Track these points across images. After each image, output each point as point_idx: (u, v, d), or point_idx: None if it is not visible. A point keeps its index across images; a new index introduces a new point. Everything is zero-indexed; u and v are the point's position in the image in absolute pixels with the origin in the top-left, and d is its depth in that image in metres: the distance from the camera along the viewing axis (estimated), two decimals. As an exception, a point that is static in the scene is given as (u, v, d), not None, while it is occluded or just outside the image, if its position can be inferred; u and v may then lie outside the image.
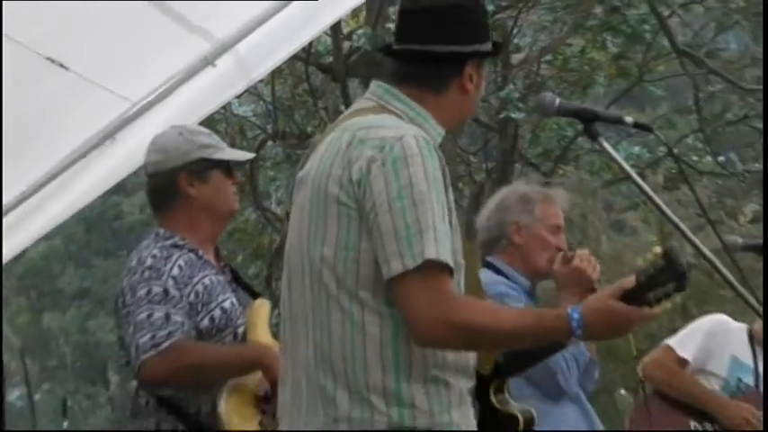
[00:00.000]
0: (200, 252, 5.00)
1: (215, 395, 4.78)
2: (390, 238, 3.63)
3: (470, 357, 3.82)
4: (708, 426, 6.61)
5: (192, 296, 4.85)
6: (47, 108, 7.26)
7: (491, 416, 3.96)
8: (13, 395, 17.64)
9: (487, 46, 4.05)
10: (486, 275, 5.60)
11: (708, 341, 6.71)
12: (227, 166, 5.10)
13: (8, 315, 26.92)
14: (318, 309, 3.78)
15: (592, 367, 5.77)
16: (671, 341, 6.75)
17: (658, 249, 3.73)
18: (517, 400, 4.23)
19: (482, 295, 4.08)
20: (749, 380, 6.71)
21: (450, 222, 3.73)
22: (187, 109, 7.76)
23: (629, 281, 3.79)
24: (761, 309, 4.36)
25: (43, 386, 26.51)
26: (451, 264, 3.64)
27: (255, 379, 4.84)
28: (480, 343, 3.75)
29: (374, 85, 4.06)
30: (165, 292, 4.79)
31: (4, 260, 8.31)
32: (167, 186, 5.08)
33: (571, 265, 5.57)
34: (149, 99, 7.63)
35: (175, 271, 4.86)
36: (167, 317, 4.74)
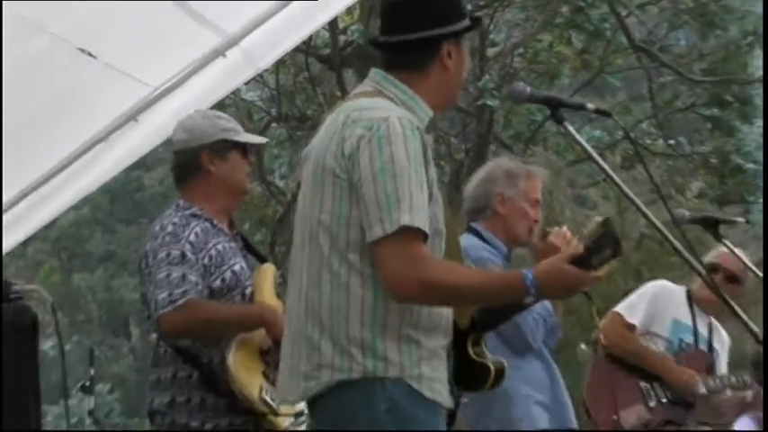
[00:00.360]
0: (215, 221, 5.00)
1: (224, 348, 4.78)
2: (373, 207, 3.68)
3: (443, 318, 3.84)
4: (656, 385, 6.58)
5: (206, 259, 4.85)
6: (77, 92, 7.24)
7: (468, 366, 3.96)
8: (47, 345, 17.62)
9: (461, 25, 4.04)
10: (469, 240, 5.65)
11: (652, 306, 6.68)
12: (243, 148, 5.11)
13: (42, 275, 26.93)
14: (312, 268, 3.83)
15: (556, 329, 5.80)
16: (619, 308, 6.71)
17: (599, 219, 3.76)
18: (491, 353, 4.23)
19: (461, 259, 4.07)
20: (690, 339, 6.69)
21: (431, 194, 3.76)
22: (201, 94, 7.75)
23: (578, 248, 3.82)
24: (704, 272, 4.37)
25: (73, 338, 26.49)
26: (425, 229, 3.67)
27: (260, 335, 4.85)
28: (447, 298, 3.78)
29: (373, 71, 4.08)
30: (183, 255, 4.80)
31: (40, 227, 8.31)
32: (191, 162, 5.08)
33: (548, 239, 5.59)
34: (168, 85, 7.61)
35: (192, 237, 4.86)
36: (183, 277, 4.75)
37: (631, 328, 6.61)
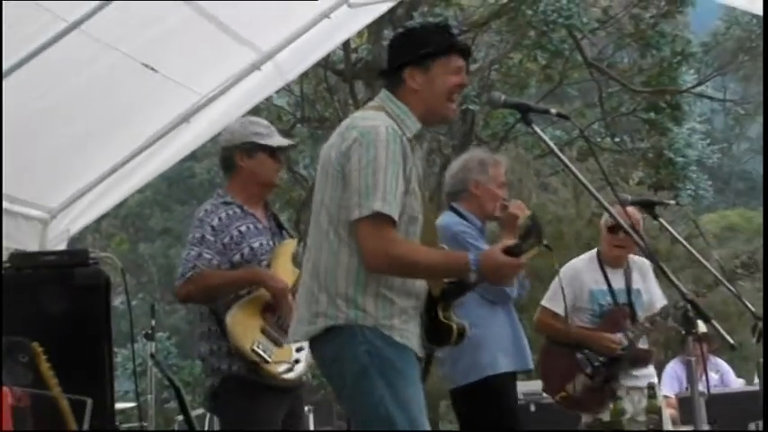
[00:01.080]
0: (246, 207, 5.02)
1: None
2: (355, 194, 3.81)
3: (415, 286, 3.96)
4: (588, 353, 6.52)
5: (227, 239, 4.88)
6: (142, 99, 7.25)
7: (437, 326, 4.00)
8: (117, 301, 17.61)
9: (424, 53, 4.04)
10: (450, 217, 5.69)
11: (568, 290, 6.58)
12: (271, 150, 5.07)
13: (113, 245, 26.92)
14: (316, 239, 3.98)
15: (525, 283, 5.80)
16: (544, 301, 6.60)
17: (527, 212, 3.82)
18: (458, 310, 4.24)
19: (435, 241, 4.12)
20: (607, 299, 6.61)
21: (407, 189, 3.88)
22: (240, 101, 7.75)
23: (511, 240, 4.03)
24: (642, 243, 4.35)
25: (138, 295, 26.45)
26: (394, 216, 3.79)
27: (264, 296, 4.87)
28: (408, 271, 3.89)
29: (382, 91, 4.16)
30: (203, 237, 4.86)
31: (112, 206, 8.30)
32: (228, 159, 5.11)
33: (508, 210, 5.61)
34: (213, 93, 7.61)
35: (216, 222, 4.90)
36: (199, 255, 4.82)
37: (557, 315, 6.52)
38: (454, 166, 5.96)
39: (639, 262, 6.65)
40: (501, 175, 5.82)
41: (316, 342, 3.94)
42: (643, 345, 6.56)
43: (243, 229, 4.94)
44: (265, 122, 5.26)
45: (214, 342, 4.89)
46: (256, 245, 4.94)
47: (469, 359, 5.51)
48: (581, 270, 6.66)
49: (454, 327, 4.01)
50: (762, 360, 5.11)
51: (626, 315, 6.53)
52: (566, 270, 6.58)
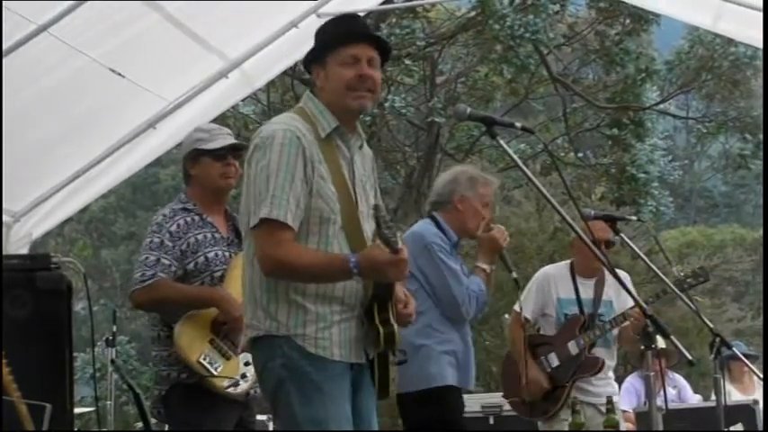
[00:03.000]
0: (205, 215, 4.98)
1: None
2: (251, 202, 3.81)
3: (336, 288, 3.87)
4: (542, 358, 6.57)
5: (184, 246, 4.85)
6: (108, 104, 7.22)
7: (370, 329, 3.92)
8: (78, 306, 17.50)
9: (316, 47, 4.06)
10: (427, 226, 5.75)
11: (539, 296, 6.61)
12: (212, 153, 5.02)
13: (76, 249, 26.73)
14: (243, 247, 4.03)
15: (484, 305, 5.81)
16: (517, 306, 6.65)
17: (372, 202, 3.80)
18: (419, 314, 4.19)
19: (363, 241, 3.94)
20: (573, 309, 6.63)
21: (312, 190, 3.81)
22: (206, 108, 7.73)
23: (486, 264, 3.91)
24: (603, 257, 4.37)
25: (100, 301, 26.30)
26: (284, 219, 3.74)
27: (213, 311, 4.82)
28: (293, 274, 3.81)
29: (305, 92, 4.16)
30: (161, 242, 4.83)
31: (76, 211, 8.25)
32: (183, 168, 5.14)
33: (490, 233, 5.66)
34: (180, 100, 7.59)
35: (174, 227, 4.87)
36: (158, 260, 4.77)
37: (526, 320, 6.56)
38: (444, 177, 5.98)
39: (621, 275, 6.69)
40: (488, 196, 5.84)
41: (251, 352, 3.97)
42: (600, 354, 6.59)
43: (200, 237, 4.90)
44: (209, 126, 5.23)
45: (164, 348, 4.86)
46: (211, 255, 4.90)
47: (418, 367, 5.52)
48: (552, 277, 6.71)
49: (381, 331, 3.91)
50: (718, 376, 5.13)
51: (581, 323, 6.58)
52: (538, 275, 6.67)
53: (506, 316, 6.86)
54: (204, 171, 5.02)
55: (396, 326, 3.96)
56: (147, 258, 4.78)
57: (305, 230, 3.82)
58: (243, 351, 4.46)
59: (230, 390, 4.80)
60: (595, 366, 6.59)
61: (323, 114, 3.96)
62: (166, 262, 4.77)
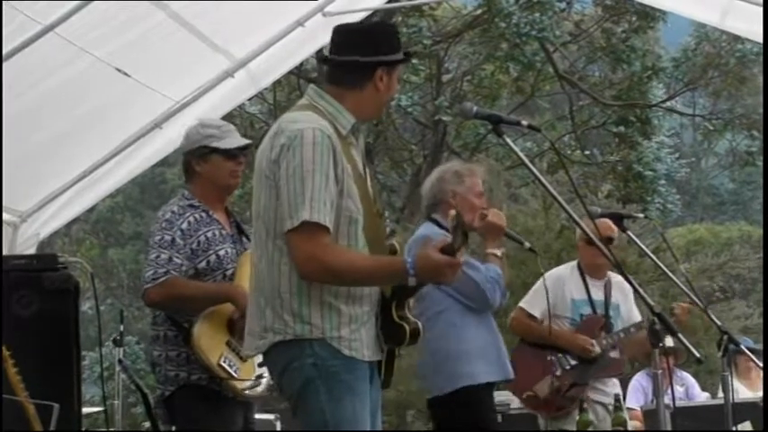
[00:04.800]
0: (211, 212, 4.91)
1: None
2: (285, 204, 3.71)
3: (365, 289, 3.84)
4: (561, 357, 6.54)
5: (195, 244, 4.77)
6: (115, 104, 7.21)
7: (391, 326, 3.92)
8: (85, 306, 17.49)
9: (395, 57, 3.98)
10: (430, 228, 5.68)
11: (551, 296, 6.61)
12: (225, 152, 4.96)
13: (83, 249, 26.77)
14: (257, 251, 3.88)
15: (505, 292, 5.79)
16: (522, 303, 6.64)
17: (453, 212, 3.77)
18: (434, 311, 4.18)
19: (383, 241, 3.98)
20: (587, 310, 6.62)
21: (342, 190, 3.76)
22: (213, 107, 7.72)
23: (497, 248, 3.96)
24: (611, 256, 4.36)
25: (107, 300, 26.32)
26: (325, 223, 3.68)
27: (229, 308, 4.75)
28: (342, 279, 3.76)
29: (309, 88, 4.09)
30: (173, 240, 4.74)
31: (83, 211, 8.26)
32: (186, 163, 5.02)
33: (487, 219, 5.64)
34: (186, 99, 7.59)
35: (185, 225, 4.79)
36: (170, 259, 4.69)
37: (533, 317, 6.55)
38: (430, 179, 5.95)
39: (620, 282, 6.67)
40: (478, 185, 5.82)
41: (267, 356, 3.87)
42: (615, 356, 6.59)
43: (209, 235, 4.84)
44: (218, 123, 5.16)
45: (170, 348, 4.79)
46: (222, 252, 4.84)
47: (449, 368, 5.52)
48: (565, 278, 6.69)
49: (407, 328, 3.92)
50: (726, 373, 5.11)
51: (601, 324, 6.57)
52: (549, 276, 6.63)
53: (512, 315, 6.81)
54: (214, 169, 4.96)
55: (418, 321, 4.00)
56: (158, 257, 4.70)
57: (334, 232, 3.77)
58: (247, 354, 4.36)
59: (249, 392, 4.76)
60: (620, 369, 6.61)
61: (340, 112, 3.91)
62: (178, 261, 4.71)
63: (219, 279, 4.84)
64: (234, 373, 4.69)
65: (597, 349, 6.48)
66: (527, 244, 5.77)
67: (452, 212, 3.72)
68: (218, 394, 4.73)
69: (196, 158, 4.97)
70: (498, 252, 5.72)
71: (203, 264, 4.79)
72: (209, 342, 4.68)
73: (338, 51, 3.97)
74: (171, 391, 4.76)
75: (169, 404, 4.79)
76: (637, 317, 6.68)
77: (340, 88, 3.94)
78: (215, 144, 4.95)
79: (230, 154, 4.97)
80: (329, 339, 3.75)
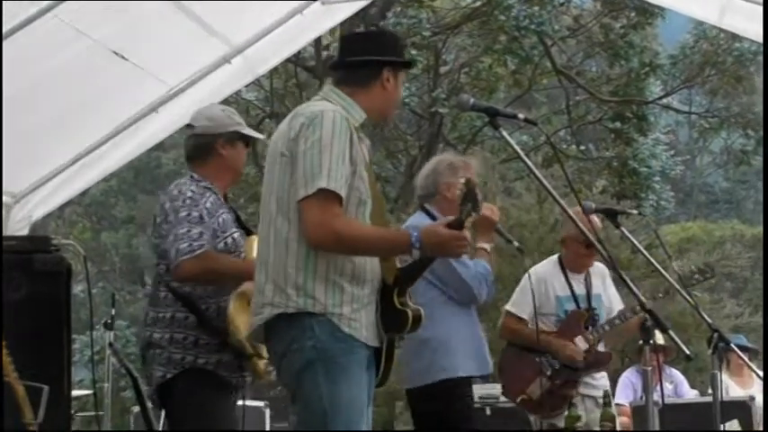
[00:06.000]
0: (220, 195, 4.94)
1: (219, 301, 4.71)
2: (301, 174, 3.85)
3: (368, 273, 3.95)
4: (548, 356, 6.53)
5: (216, 225, 4.75)
6: (110, 87, 7.20)
7: (392, 312, 3.99)
8: (77, 289, 17.51)
9: (400, 59, 4.23)
10: (423, 218, 5.67)
11: (535, 295, 6.60)
12: (247, 140, 5.07)
13: (76, 232, 26.74)
14: (264, 228, 3.99)
15: (492, 288, 5.80)
16: (509, 306, 6.61)
17: (462, 180, 3.82)
18: (421, 305, 4.22)
19: (385, 224, 4.19)
20: (572, 306, 6.61)
21: (355, 170, 3.92)
22: (209, 93, 7.71)
23: (487, 242, 4.38)
24: (604, 251, 4.37)
25: (99, 284, 26.28)
26: (340, 192, 3.83)
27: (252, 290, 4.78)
28: (352, 247, 3.89)
29: (325, 86, 4.27)
30: (201, 217, 4.71)
31: (76, 194, 8.25)
32: (207, 145, 4.98)
33: (480, 213, 5.63)
34: (183, 84, 7.58)
35: (208, 204, 4.77)
36: (201, 234, 4.65)
37: (522, 320, 6.53)
38: (424, 171, 5.96)
39: (599, 267, 6.67)
40: (472, 177, 5.82)
41: (268, 331, 3.95)
42: (602, 348, 6.59)
43: (225, 217, 4.84)
44: (230, 109, 5.24)
45: (177, 330, 4.74)
46: (236, 236, 4.84)
47: (428, 360, 5.51)
48: (547, 276, 6.66)
49: (409, 313, 4.00)
50: (716, 372, 5.13)
51: (585, 318, 6.55)
52: (531, 276, 6.60)
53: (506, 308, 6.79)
54: (237, 154, 5.03)
55: (419, 307, 4.06)
56: (189, 231, 4.66)
57: (344, 210, 3.89)
58: (248, 336, 4.34)
59: (272, 375, 4.75)
60: (608, 361, 6.60)
61: (352, 107, 4.07)
62: (207, 238, 4.68)
63: None
64: (262, 354, 4.65)
65: (582, 358, 6.46)
66: (516, 243, 5.76)
67: (462, 180, 3.79)
68: (221, 381, 4.72)
69: (223, 141, 4.98)
70: (488, 247, 5.73)
71: (222, 245, 4.78)
72: (241, 321, 4.64)
73: (346, 54, 4.21)
74: (173, 374, 4.72)
75: (166, 388, 4.75)
76: (618, 302, 6.65)
77: (351, 87, 4.13)
78: (244, 131, 5.04)
79: (248, 142, 5.08)
80: (330, 315, 3.85)
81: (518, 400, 6.55)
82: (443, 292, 5.60)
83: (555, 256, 6.78)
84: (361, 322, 3.90)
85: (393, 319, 4.00)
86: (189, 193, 4.80)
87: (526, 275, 6.31)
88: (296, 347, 3.85)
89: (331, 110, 3.94)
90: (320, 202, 3.80)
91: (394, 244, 3.97)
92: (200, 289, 4.74)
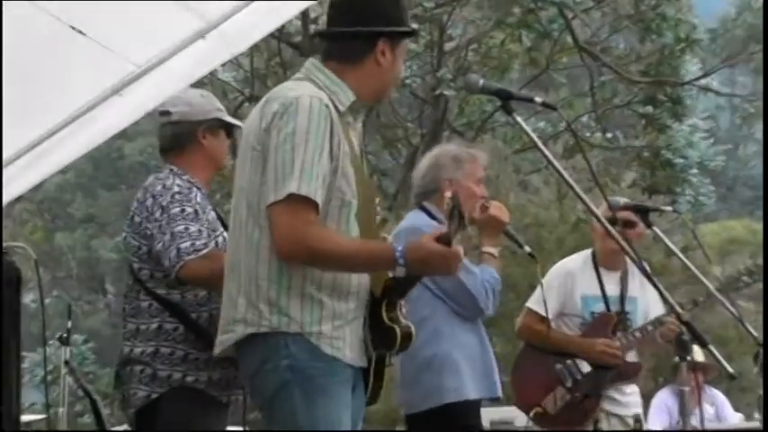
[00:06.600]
0: (203, 190, 4.96)
1: (211, 309, 4.68)
2: (271, 175, 3.79)
3: (353, 284, 3.91)
4: (569, 364, 6.53)
5: (206, 223, 4.77)
6: (68, 67, 7.20)
7: (380, 328, 3.97)
8: (28, 298, 17.52)
9: (399, 29, 4.11)
10: (420, 218, 5.69)
11: (559, 293, 6.57)
12: (229, 129, 5.09)
13: (26, 232, 26.74)
14: (235, 233, 3.97)
15: (500, 295, 5.81)
16: (530, 303, 6.63)
17: (449, 194, 3.81)
18: (419, 316, 4.22)
19: (375, 231, 4.08)
20: (600, 307, 6.61)
21: (336, 168, 3.85)
22: (180, 74, 7.70)
23: (493, 246, 4.28)
24: (632, 252, 4.37)
25: (53, 292, 26.33)
26: (314, 197, 3.76)
27: None
28: (325, 262, 3.83)
29: (308, 61, 4.18)
30: (196, 212, 4.74)
31: (28, 189, 8.25)
32: (187, 134, 5.03)
33: (488, 212, 5.64)
34: (149, 64, 7.58)
35: (199, 198, 4.81)
36: (200, 231, 4.68)
37: (544, 319, 6.52)
38: (424, 164, 5.96)
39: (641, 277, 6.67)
40: (479, 171, 5.83)
41: (238, 351, 3.93)
42: (632, 359, 6.60)
43: (213, 214, 4.87)
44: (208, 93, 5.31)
45: (165, 343, 4.74)
46: (226, 234, 4.85)
47: (432, 381, 5.52)
48: (574, 272, 6.68)
49: (397, 330, 3.97)
50: (761, 392, 5.14)
51: (613, 322, 6.56)
52: (557, 270, 6.63)
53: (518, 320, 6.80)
54: (219, 145, 5.07)
55: (410, 324, 4.04)
56: (187, 228, 4.67)
57: (324, 213, 3.84)
58: (218, 353, 4.36)
59: None
60: (636, 372, 6.61)
61: (339, 87, 4.01)
62: (206, 235, 4.70)
63: None
64: None
65: (619, 354, 6.45)
66: (527, 248, 5.77)
67: (448, 194, 3.77)
68: (212, 399, 4.74)
69: (204, 129, 5.04)
70: (495, 251, 5.73)
71: (213, 245, 4.77)
72: None
73: (335, 24, 4.11)
74: (159, 394, 4.72)
75: (150, 409, 4.73)
76: (656, 309, 6.63)
77: (339, 63, 4.05)
78: (226, 119, 5.10)
79: (229, 132, 5.10)
80: (307, 335, 3.82)
81: (531, 414, 6.57)
82: (446, 303, 5.61)
83: (588, 251, 6.79)
84: (344, 340, 3.88)
85: (381, 335, 3.98)
86: (176, 188, 4.82)
87: (552, 269, 6.33)
88: (269, 367, 3.83)
89: (308, 95, 3.87)
90: (290, 209, 3.75)
91: (374, 261, 3.90)
92: (191, 296, 4.75)
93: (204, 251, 4.64)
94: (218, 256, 4.60)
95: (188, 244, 4.64)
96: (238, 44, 8.09)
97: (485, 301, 5.61)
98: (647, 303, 6.63)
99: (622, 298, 6.64)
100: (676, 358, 4.37)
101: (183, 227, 4.69)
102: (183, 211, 4.74)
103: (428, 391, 5.53)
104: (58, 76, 7.22)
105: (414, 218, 5.78)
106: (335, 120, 3.87)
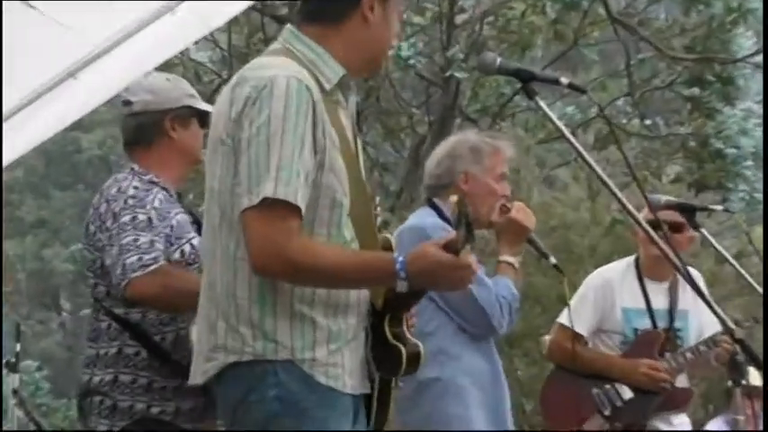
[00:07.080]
0: (170, 191, 4.97)
1: (178, 328, 4.74)
2: (245, 175, 3.69)
3: (350, 297, 3.85)
4: (608, 389, 6.53)
5: (168, 229, 4.79)
6: (14, 46, 7.21)
7: (383, 347, 3.94)
8: (-30, 317, 17.55)
9: None
10: (429, 218, 5.68)
11: (596, 307, 6.58)
12: (203, 117, 5.05)
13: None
14: (207, 242, 3.91)
15: (517, 312, 5.81)
16: (562, 318, 6.64)
17: (454, 198, 3.77)
18: (427, 335, 4.20)
19: (374, 234, 4.02)
20: (644, 323, 6.62)
21: (323, 161, 3.76)
22: (146, 54, 7.71)
23: (513, 256, 4.21)
24: (679, 262, 4.38)
25: (-1, 310, 26.40)
26: (295, 201, 3.65)
27: None
28: (310, 278, 3.74)
29: (285, 29, 4.07)
30: (149, 220, 4.75)
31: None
32: (153, 125, 5.04)
33: (509, 215, 5.63)
34: (110, 42, 7.59)
35: (156, 203, 4.81)
36: (152, 243, 4.69)
37: (579, 337, 6.51)
38: (438, 152, 5.95)
39: (692, 275, 6.67)
40: (501, 166, 5.83)
41: (218, 382, 3.87)
42: (682, 384, 6.62)
43: (180, 218, 4.88)
44: (176, 76, 5.34)
45: (125, 370, 4.76)
46: (195, 241, 4.85)
47: (433, 406, 5.54)
48: (613, 282, 6.69)
49: (402, 350, 3.94)
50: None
51: (659, 340, 6.57)
52: (593, 280, 6.63)
53: (546, 337, 6.82)
54: (192, 137, 5.07)
55: (418, 342, 4.00)
56: (137, 240, 4.68)
57: (311, 216, 3.77)
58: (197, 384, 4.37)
59: None
60: (687, 400, 6.63)
61: (324, 61, 3.92)
62: (160, 247, 4.72)
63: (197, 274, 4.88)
64: None
65: (668, 377, 6.47)
66: (552, 259, 5.76)
67: (453, 198, 3.73)
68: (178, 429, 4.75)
69: (173, 120, 5.04)
70: (515, 261, 5.72)
71: (177, 254, 4.82)
72: None
73: None
74: (120, 428, 4.75)
75: None
76: (710, 325, 6.59)
77: (320, 26, 3.95)
78: (198, 106, 5.09)
79: (205, 121, 5.03)
80: (299, 362, 3.76)
81: None
82: (453, 318, 5.61)
83: (631, 258, 6.82)
84: (342, 367, 3.84)
85: (383, 355, 3.96)
86: (131, 191, 4.83)
87: (588, 278, 6.33)
88: (254, 398, 3.78)
89: (284, 75, 3.75)
90: (266, 216, 3.65)
91: (370, 275, 3.83)
92: (153, 315, 4.77)
93: (153, 266, 4.64)
94: (170, 273, 4.67)
95: (134, 259, 4.65)
96: (214, 18, 8.12)
97: (499, 320, 5.60)
98: (700, 319, 6.62)
99: (671, 312, 6.65)
100: (730, 382, 4.38)
101: (131, 238, 4.70)
102: (134, 219, 4.75)
103: (427, 416, 5.54)
104: (5, 56, 7.23)
105: (420, 216, 5.78)
106: (319, 102, 3.78)
